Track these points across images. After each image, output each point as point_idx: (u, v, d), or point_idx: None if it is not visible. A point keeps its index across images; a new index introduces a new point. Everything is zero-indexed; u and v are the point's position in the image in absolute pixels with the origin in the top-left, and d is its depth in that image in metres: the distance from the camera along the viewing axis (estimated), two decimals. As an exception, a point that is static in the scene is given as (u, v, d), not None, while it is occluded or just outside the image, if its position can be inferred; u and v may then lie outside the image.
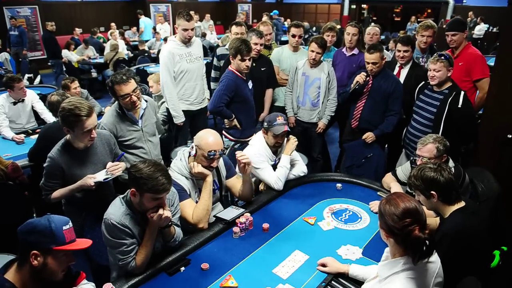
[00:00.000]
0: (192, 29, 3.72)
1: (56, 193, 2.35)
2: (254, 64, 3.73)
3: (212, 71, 4.27)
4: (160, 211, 1.86)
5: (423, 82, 3.25)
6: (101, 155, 2.44)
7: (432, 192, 1.88)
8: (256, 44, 3.71)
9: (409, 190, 2.68)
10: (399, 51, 3.60)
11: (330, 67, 3.83)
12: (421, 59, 3.93)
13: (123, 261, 1.85)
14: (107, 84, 2.73)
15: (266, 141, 2.78)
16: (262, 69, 3.90)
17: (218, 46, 6.30)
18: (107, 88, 2.74)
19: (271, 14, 13.27)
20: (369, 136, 3.46)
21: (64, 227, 1.50)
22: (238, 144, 3.42)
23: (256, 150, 2.74)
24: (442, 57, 2.93)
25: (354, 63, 4.06)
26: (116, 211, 1.88)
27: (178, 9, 13.59)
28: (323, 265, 1.95)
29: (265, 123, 2.75)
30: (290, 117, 3.99)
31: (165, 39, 10.12)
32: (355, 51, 4.09)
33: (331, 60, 4.18)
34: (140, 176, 1.79)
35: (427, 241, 1.40)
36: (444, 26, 15.00)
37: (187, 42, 3.77)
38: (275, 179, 2.68)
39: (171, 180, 1.90)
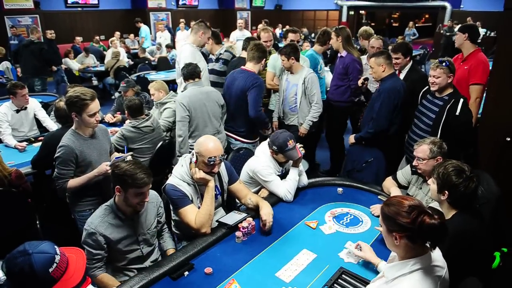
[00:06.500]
0: None
1: (73, 182, 2.50)
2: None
3: (212, 75, 4.37)
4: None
5: (427, 87, 3.24)
6: (103, 143, 2.71)
7: (445, 191, 1.94)
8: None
9: (409, 193, 2.71)
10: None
11: (308, 74, 3.77)
12: None
13: (88, 265, 1.99)
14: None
15: (274, 157, 2.76)
16: None
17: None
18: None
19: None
20: (350, 139, 3.63)
21: (50, 269, 1.33)
22: (242, 150, 3.43)
23: (264, 162, 2.75)
24: (443, 64, 2.92)
25: (340, 65, 4.31)
26: (94, 219, 2.08)
27: (178, 17, 13.72)
28: (360, 249, 2.04)
29: (274, 147, 2.67)
30: (274, 122, 4.14)
31: (168, 46, 10.17)
32: (343, 53, 4.30)
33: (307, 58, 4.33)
34: (122, 173, 2.02)
35: (441, 225, 1.44)
36: (442, 31, 14.98)
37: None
38: (285, 192, 2.68)
39: (151, 175, 2.09)
